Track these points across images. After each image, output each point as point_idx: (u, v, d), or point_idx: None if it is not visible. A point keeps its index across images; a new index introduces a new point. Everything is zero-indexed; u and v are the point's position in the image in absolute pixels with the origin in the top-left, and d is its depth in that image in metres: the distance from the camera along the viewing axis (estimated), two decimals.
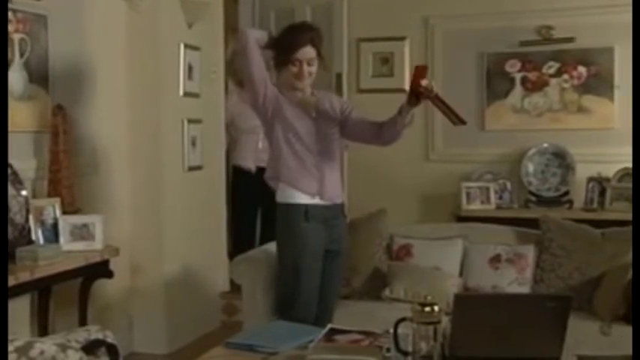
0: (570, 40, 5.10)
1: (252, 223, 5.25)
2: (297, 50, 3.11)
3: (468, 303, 2.38)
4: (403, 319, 2.37)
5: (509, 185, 5.16)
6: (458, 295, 2.81)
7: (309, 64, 3.14)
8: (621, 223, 4.30)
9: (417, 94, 2.94)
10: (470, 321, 2.27)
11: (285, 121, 3.14)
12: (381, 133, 3.15)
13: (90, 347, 2.13)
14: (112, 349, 2.23)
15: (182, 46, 4.56)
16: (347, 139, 3.36)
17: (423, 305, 2.31)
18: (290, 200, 3.16)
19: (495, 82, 5.28)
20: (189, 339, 4.65)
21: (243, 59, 3.12)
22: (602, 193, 4.92)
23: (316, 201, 3.16)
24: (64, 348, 1.59)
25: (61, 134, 3.69)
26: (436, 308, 2.29)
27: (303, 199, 3.15)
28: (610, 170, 4.96)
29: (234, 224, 5.44)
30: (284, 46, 3.14)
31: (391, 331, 2.40)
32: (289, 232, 3.17)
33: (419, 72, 2.95)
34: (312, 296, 3.18)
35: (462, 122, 2.98)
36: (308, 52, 3.13)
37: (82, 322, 3.71)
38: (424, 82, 2.91)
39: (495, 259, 3.66)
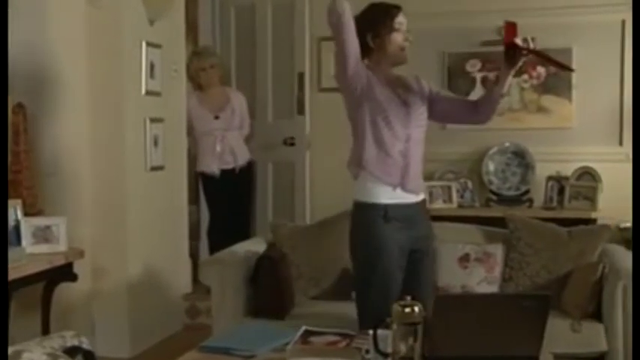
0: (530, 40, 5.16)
1: (226, 226, 5.19)
2: (398, 14, 2.95)
3: (448, 303, 2.39)
4: (383, 321, 2.37)
5: (470, 184, 5.20)
6: (438, 295, 2.83)
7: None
8: (581, 222, 4.40)
9: (514, 54, 2.75)
10: (450, 321, 2.28)
11: (376, 103, 2.91)
12: (477, 108, 2.99)
13: (67, 354, 2.07)
14: (88, 356, 2.18)
15: (144, 44, 4.48)
16: (436, 120, 3.14)
17: (404, 306, 2.31)
18: (368, 199, 2.94)
19: (456, 82, 5.31)
20: (151, 342, 4.58)
21: (338, 29, 2.79)
22: (561, 191, 5.00)
23: (396, 199, 2.93)
24: (54, 357, 1.53)
25: (22, 133, 3.60)
26: (416, 309, 2.30)
27: (382, 197, 2.92)
28: (568, 169, 5.03)
29: (209, 231, 5.40)
30: (384, 14, 2.93)
31: (370, 332, 2.40)
32: (366, 233, 2.95)
33: (510, 29, 2.73)
34: (385, 301, 2.73)
35: (570, 69, 2.84)
36: (403, 18, 2.98)
37: (45, 327, 3.62)
38: (518, 39, 2.72)
39: (464, 259, 3.69)
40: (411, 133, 2.97)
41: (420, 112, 3.01)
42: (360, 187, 2.99)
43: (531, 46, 2.75)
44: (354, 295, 3.68)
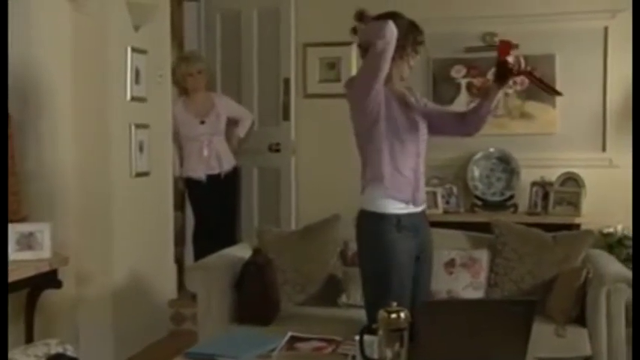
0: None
1: (211, 232, 5.17)
2: (422, 39, 3.01)
3: (434, 309, 2.39)
4: (369, 327, 2.37)
5: (455, 190, 5.23)
6: (425, 301, 2.83)
7: None
8: (564, 227, 4.43)
9: (504, 72, 2.79)
10: (436, 327, 2.28)
11: (392, 121, 2.94)
12: (465, 121, 3.02)
13: None
14: None
15: (129, 50, 4.46)
16: (429, 134, 3.12)
17: (389, 312, 2.32)
18: (381, 210, 2.95)
19: (441, 88, 5.34)
20: (136, 349, 4.56)
21: (383, 55, 2.79)
22: (546, 197, 5.03)
23: (408, 209, 2.98)
24: None
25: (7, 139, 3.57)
26: (402, 315, 2.30)
27: (395, 208, 2.95)
28: (552, 175, 5.07)
29: (194, 237, 5.37)
30: (414, 34, 2.97)
31: (356, 338, 2.41)
32: (378, 244, 2.96)
33: (504, 47, 2.78)
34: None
35: (558, 93, 2.87)
36: None
37: (29, 334, 3.59)
38: (511, 58, 2.76)
39: (450, 264, 3.70)
40: (420, 149, 3.03)
41: (424, 127, 3.06)
42: (369, 199, 3.00)
43: (522, 66, 2.78)
44: (340, 300, 3.73)
